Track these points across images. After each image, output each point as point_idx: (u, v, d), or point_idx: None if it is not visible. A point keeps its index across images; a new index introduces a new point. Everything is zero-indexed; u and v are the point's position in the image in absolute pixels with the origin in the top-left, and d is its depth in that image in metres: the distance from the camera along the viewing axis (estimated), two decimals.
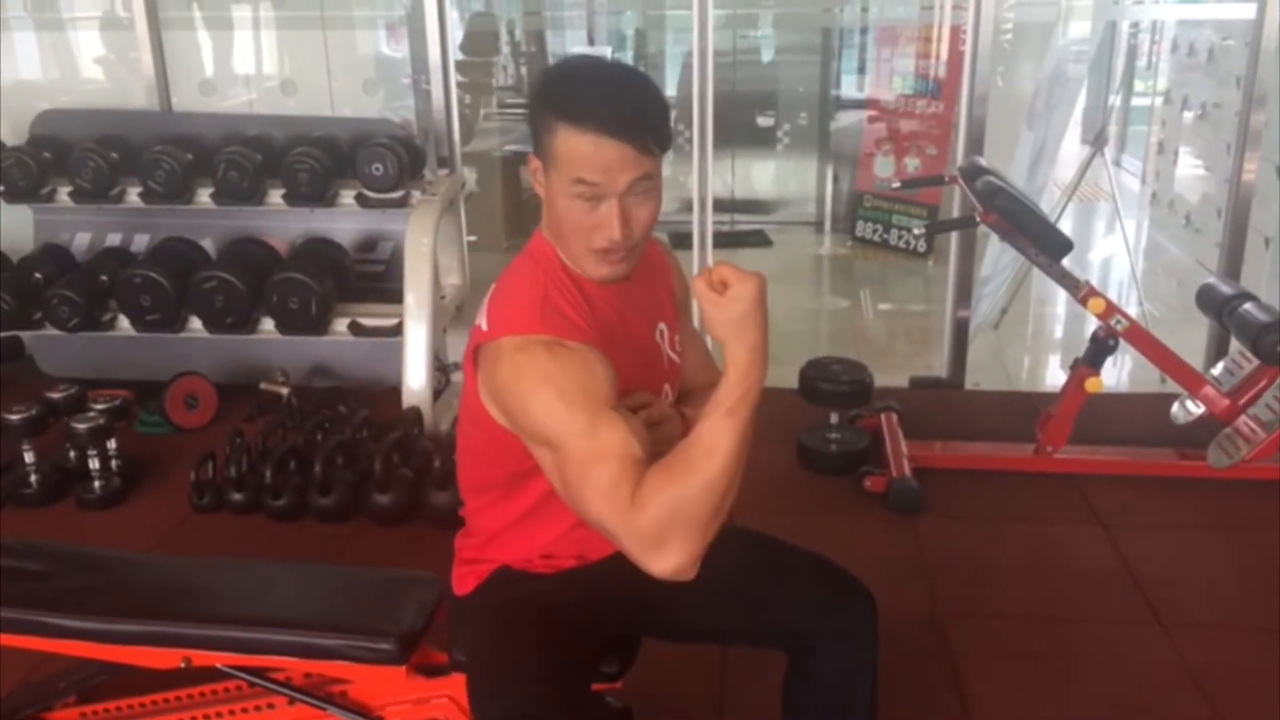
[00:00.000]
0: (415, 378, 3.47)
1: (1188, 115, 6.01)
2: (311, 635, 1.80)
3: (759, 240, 6.38)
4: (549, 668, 1.58)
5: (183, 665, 1.82)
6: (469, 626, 1.72)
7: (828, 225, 6.65)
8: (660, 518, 1.33)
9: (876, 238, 6.05)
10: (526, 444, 1.50)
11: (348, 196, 3.71)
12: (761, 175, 6.98)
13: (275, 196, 3.71)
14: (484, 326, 1.54)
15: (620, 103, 1.46)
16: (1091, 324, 3.25)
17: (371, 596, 1.93)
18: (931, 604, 2.71)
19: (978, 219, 3.11)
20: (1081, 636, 2.57)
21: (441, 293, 3.78)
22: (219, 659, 1.82)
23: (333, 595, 1.96)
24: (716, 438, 1.34)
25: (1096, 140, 4.55)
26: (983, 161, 3.40)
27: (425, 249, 3.49)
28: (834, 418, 3.43)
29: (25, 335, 3.97)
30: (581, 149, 1.44)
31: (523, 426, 1.48)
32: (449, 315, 3.85)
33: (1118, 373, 4.23)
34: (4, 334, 3.87)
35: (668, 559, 1.34)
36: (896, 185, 3.74)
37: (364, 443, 3.31)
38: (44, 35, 4.40)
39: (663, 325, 1.71)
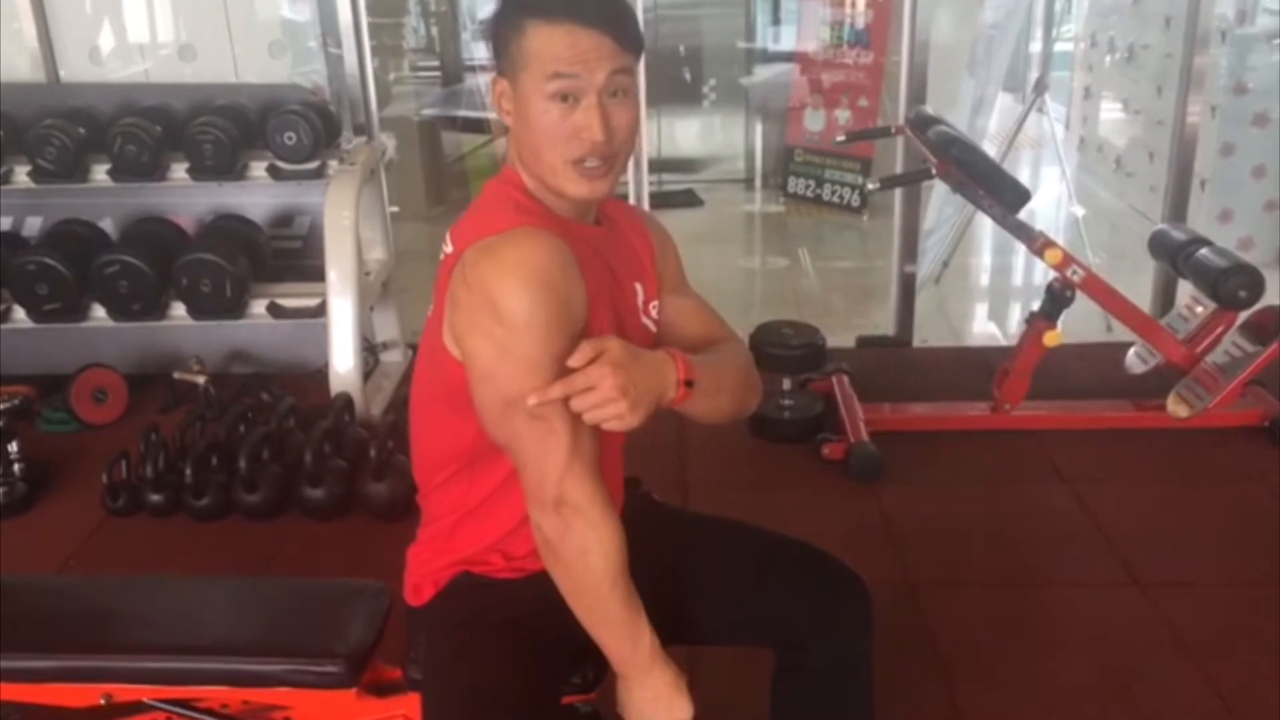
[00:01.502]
0: (343, 361, 3.25)
1: (1109, 59, 6.00)
2: (248, 661, 1.62)
3: (689, 200, 6.22)
4: (517, 685, 1.43)
5: (103, 702, 1.64)
6: (427, 640, 1.54)
7: (758, 182, 6.51)
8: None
9: (810, 194, 5.93)
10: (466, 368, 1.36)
11: (258, 169, 3.45)
12: (688, 133, 6.80)
13: (179, 171, 3.43)
14: (449, 248, 1.41)
15: None
16: (1030, 272, 3.16)
17: (313, 612, 1.75)
18: (903, 575, 2.61)
19: (932, 170, 2.98)
20: (1059, 601, 2.50)
21: (366, 268, 3.55)
22: (144, 693, 1.64)
23: (270, 613, 1.78)
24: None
25: (1038, 86, 4.47)
26: (930, 111, 3.28)
27: (346, 221, 3.27)
28: (786, 383, 3.30)
29: None
30: (555, 41, 1.33)
31: (474, 362, 1.34)
32: (375, 292, 3.63)
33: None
34: None
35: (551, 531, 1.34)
36: (840, 139, 3.60)
37: (291, 433, 3.10)
38: None
39: (639, 285, 1.54)
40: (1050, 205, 5.64)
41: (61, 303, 3.36)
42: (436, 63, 6.43)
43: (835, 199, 5.83)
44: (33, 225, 3.74)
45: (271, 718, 1.69)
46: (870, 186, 3.52)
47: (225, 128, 3.38)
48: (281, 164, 3.42)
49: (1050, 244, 2.99)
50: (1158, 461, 3.09)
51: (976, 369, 3.52)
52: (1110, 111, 6.06)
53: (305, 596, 1.83)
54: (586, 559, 1.33)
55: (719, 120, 6.74)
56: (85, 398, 3.44)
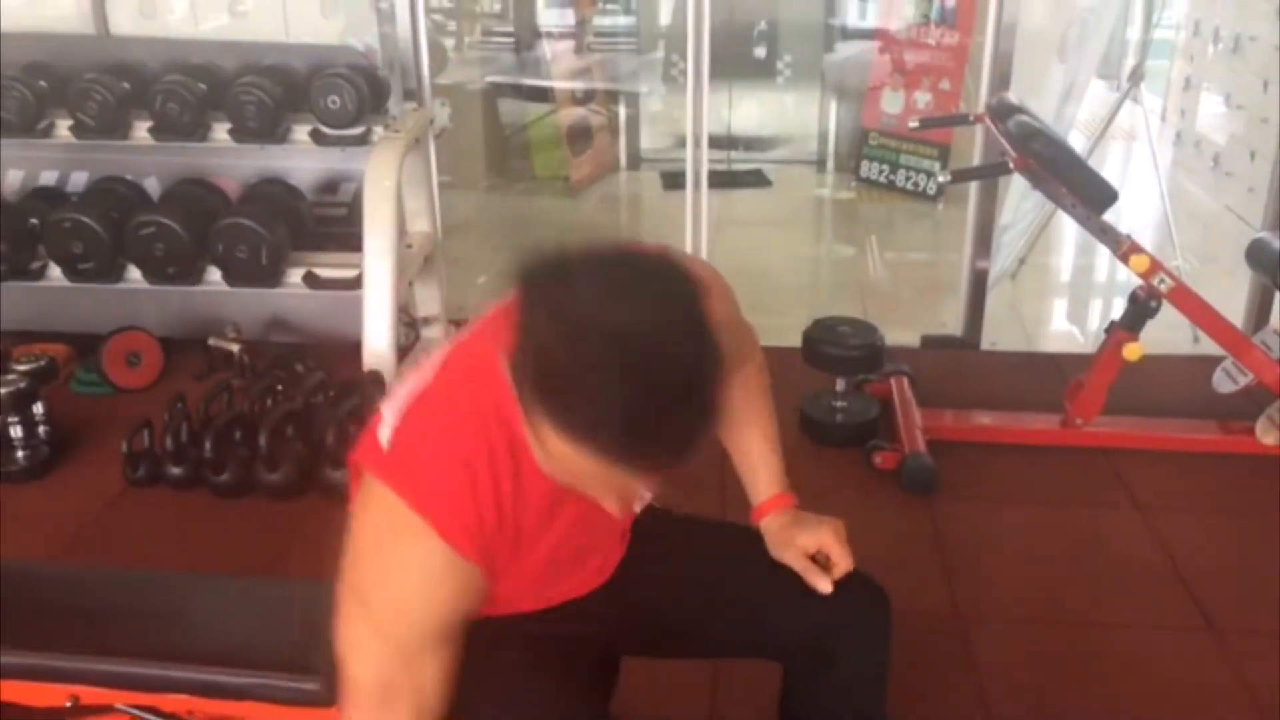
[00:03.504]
0: (377, 336, 3.12)
1: (1212, 49, 5.63)
2: (219, 672, 1.50)
3: (757, 180, 6.00)
4: (558, 691, 1.35)
5: (68, 704, 1.53)
6: None
7: (830, 165, 6.26)
8: None
9: (883, 179, 5.68)
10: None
11: (301, 133, 3.32)
12: (760, 110, 6.57)
13: (221, 132, 3.32)
14: (384, 438, 1.21)
15: (685, 439, 1.05)
16: (1118, 272, 2.91)
17: (299, 619, 1.62)
18: (951, 602, 2.41)
19: (1010, 164, 2.75)
20: (1123, 644, 2.28)
21: (408, 240, 3.42)
22: (111, 697, 1.53)
23: (252, 617, 1.66)
24: None
25: (1133, 75, 4.17)
26: (1013, 98, 3.03)
27: (387, 191, 3.12)
28: (840, 384, 3.10)
29: None
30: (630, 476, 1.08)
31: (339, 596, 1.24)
32: (417, 265, 3.49)
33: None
34: None
35: None
36: (914, 125, 3.37)
37: (318, 409, 2.98)
38: None
39: None
40: (1140, 203, 5.33)
41: (96, 263, 3.28)
42: (510, 29, 6.28)
43: (910, 186, 5.57)
44: (78, 181, 3.66)
45: None
46: (941, 178, 3.30)
47: (269, 89, 3.26)
48: (324, 128, 3.29)
49: (1136, 249, 2.75)
50: (1242, 492, 2.83)
51: (1049, 378, 3.28)
52: (1211, 105, 5.69)
53: (292, 600, 1.70)
54: None
55: (792, 98, 6.49)
56: (118, 361, 3.37)
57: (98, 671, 1.51)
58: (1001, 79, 3.42)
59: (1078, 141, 4.30)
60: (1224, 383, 3.02)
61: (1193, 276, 3.56)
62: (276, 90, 3.28)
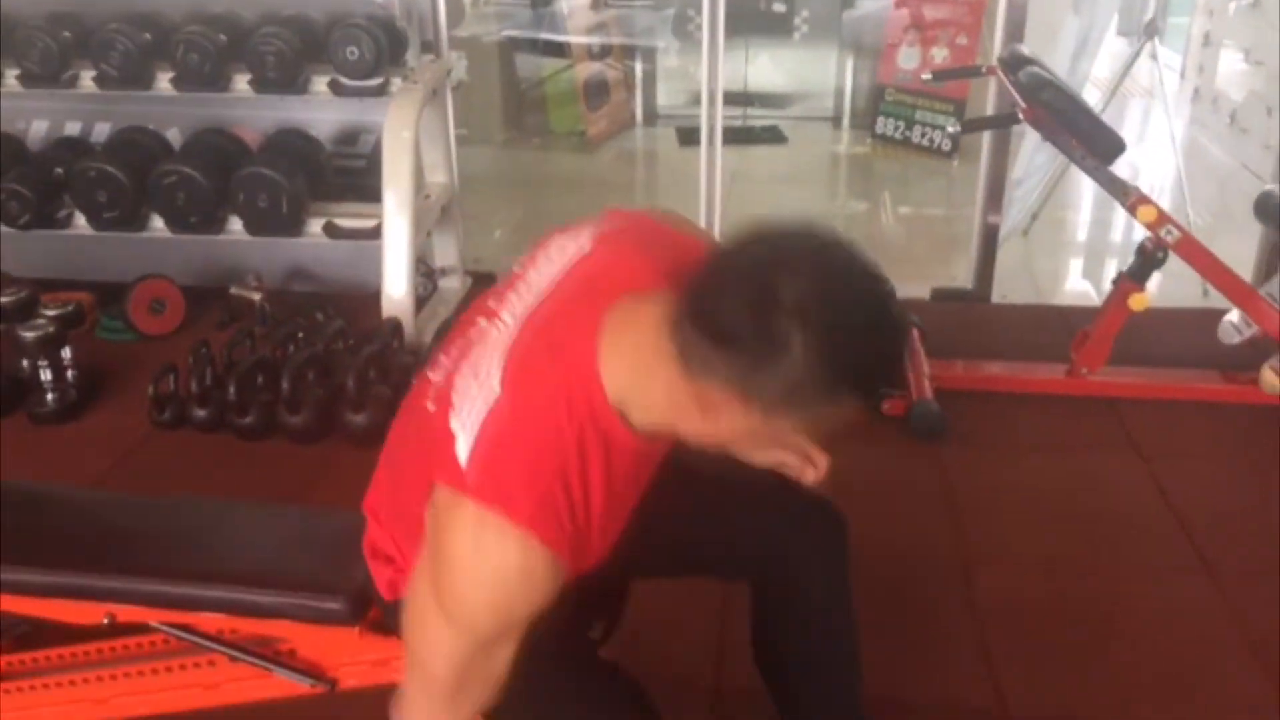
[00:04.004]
0: (395, 285, 3.19)
1: (1233, 4, 5.58)
2: (249, 591, 1.58)
3: (773, 136, 6.00)
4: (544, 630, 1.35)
5: (105, 621, 1.60)
6: None
7: (846, 121, 6.25)
8: None
9: (899, 135, 5.67)
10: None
11: (320, 83, 3.37)
12: (776, 66, 6.55)
13: (242, 83, 3.37)
14: (462, 457, 1.20)
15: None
16: (1126, 229, 2.94)
17: (324, 544, 1.70)
18: (956, 545, 2.47)
19: (1020, 115, 2.78)
20: (1122, 586, 2.33)
21: (426, 191, 3.47)
22: (146, 615, 1.61)
23: (280, 542, 1.73)
24: None
25: (1148, 29, 4.15)
26: (1025, 50, 3.04)
27: (406, 141, 3.18)
28: None
29: None
30: (846, 414, 1.14)
31: (415, 596, 1.29)
32: (434, 216, 3.54)
33: (1151, 283, 3.92)
34: None
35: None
36: (927, 77, 3.39)
37: (338, 355, 3.05)
38: None
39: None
40: (1157, 160, 5.32)
41: (120, 211, 3.34)
42: None
43: (925, 142, 5.56)
44: (101, 131, 3.73)
45: (277, 649, 1.64)
46: (951, 129, 3.32)
47: (289, 39, 3.30)
48: (343, 79, 3.33)
49: (1144, 200, 2.78)
50: (1244, 440, 2.87)
51: (1057, 330, 3.32)
52: (1230, 62, 5.65)
53: (318, 527, 1.78)
54: None
55: (809, 54, 6.47)
56: (142, 308, 3.44)
57: (134, 591, 1.59)
58: (1015, 32, 3.43)
59: (1093, 97, 4.28)
60: (1230, 334, 3.05)
61: (1205, 232, 3.59)
62: (296, 41, 3.32)
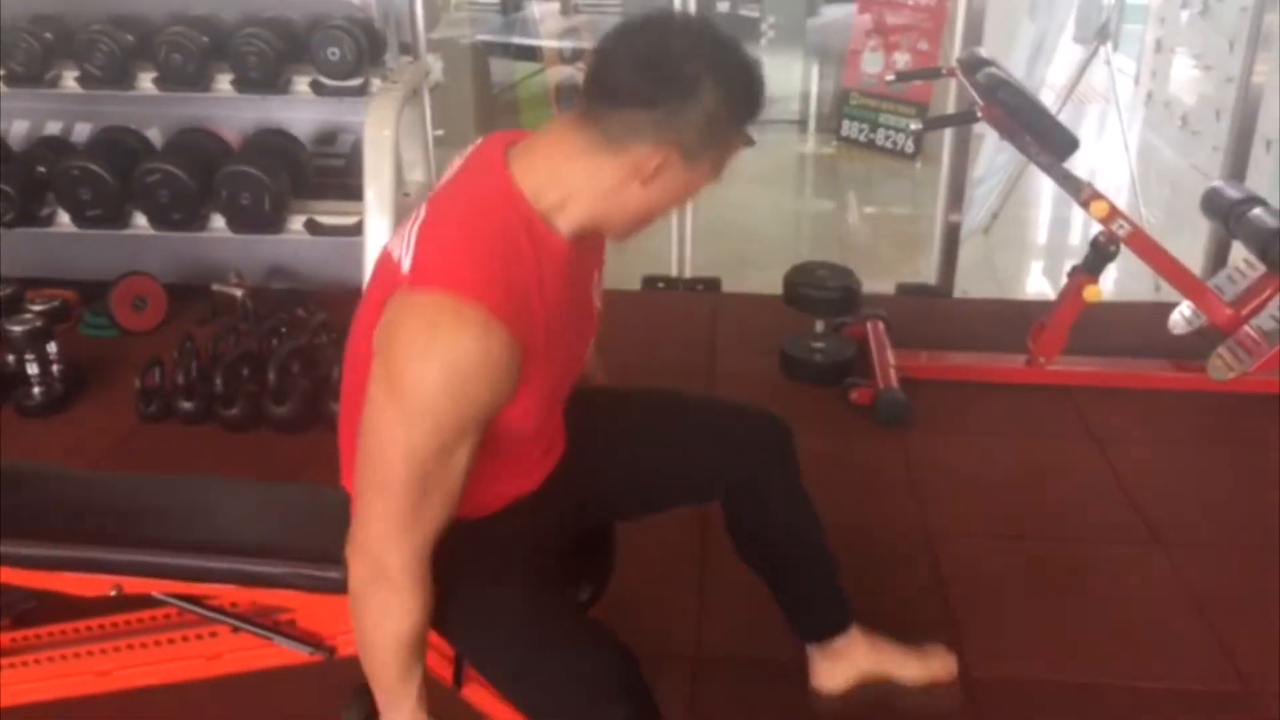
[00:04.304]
0: None
1: (1185, 13, 5.77)
2: (251, 562, 1.64)
3: None
4: (527, 590, 1.47)
5: (113, 593, 1.67)
6: None
7: (812, 125, 6.39)
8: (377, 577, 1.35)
9: (863, 138, 5.82)
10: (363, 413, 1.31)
11: (302, 84, 3.44)
12: None
13: (224, 83, 3.43)
14: (405, 267, 1.28)
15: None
16: (1084, 229, 3.08)
17: (324, 517, 1.75)
18: (921, 523, 2.58)
19: (978, 114, 2.90)
20: (1078, 557, 2.46)
21: (405, 189, 3.55)
22: (152, 586, 1.67)
23: (278, 516, 1.80)
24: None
25: (1100, 34, 4.31)
26: (984, 52, 3.18)
27: (386, 140, 3.25)
28: (819, 326, 3.26)
29: None
30: (743, 142, 1.38)
31: (369, 408, 1.30)
32: None
33: (1109, 280, 4.07)
34: None
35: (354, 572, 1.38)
36: (890, 79, 3.51)
37: (322, 348, 3.12)
38: None
39: (596, 272, 1.54)
40: (1113, 162, 5.48)
41: (103, 209, 3.40)
42: None
43: (889, 144, 5.71)
44: (81, 131, 3.76)
45: (277, 619, 1.71)
46: (913, 126, 3.45)
47: (270, 40, 3.37)
48: (324, 79, 3.40)
49: (1097, 196, 2.91)
50: (1192, 424, 3.02)
51: (1016, 323, 3.44)
52: (1182, 67, 5.85)
53: (319, 502, 1.83)
54: (383, 623, 1.37)
55: (776, 59, 6.60)
56: (125, 304, 3.50)
57: (141, 563, 1.64)
58: (974, 37, 3.57)
59: (1049, 101, 4.44)
60: (1179, 324, 3.20)
61: (1158, 230, 3.74)
62: (277, 42, 3.39)
